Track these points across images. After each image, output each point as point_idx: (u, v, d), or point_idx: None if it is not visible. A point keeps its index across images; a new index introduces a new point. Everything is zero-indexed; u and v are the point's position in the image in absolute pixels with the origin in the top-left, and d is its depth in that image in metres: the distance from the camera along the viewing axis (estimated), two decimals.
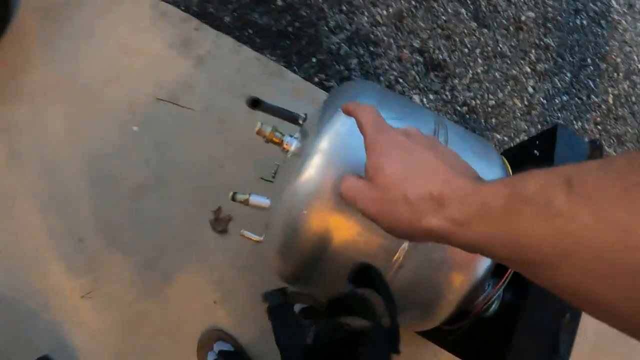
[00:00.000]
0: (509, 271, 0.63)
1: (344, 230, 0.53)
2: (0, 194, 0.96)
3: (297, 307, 0.89)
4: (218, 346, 0.83)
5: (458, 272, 0.56)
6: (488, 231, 0.23)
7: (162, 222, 0.92)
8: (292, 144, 0.61)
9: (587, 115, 1.45)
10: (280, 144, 0.60)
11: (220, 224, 0.88)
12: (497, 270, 0.60)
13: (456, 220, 0.24)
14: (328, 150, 0.51)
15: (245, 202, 0.65)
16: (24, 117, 0.99)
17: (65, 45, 0.98)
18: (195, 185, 0.92)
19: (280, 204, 0.54)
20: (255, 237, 0.68)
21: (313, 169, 0.52)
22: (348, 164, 0.52)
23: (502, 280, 0.64)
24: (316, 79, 1.01)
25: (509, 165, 0.65)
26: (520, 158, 0.80)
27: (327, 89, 1.02)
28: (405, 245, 0.53)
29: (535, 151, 0.75)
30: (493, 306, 0.70)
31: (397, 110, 0.62)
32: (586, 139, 0.71)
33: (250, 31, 1.02)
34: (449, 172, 0.27)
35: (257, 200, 0.65)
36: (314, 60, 1.03)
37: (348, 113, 0.36)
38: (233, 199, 0.64)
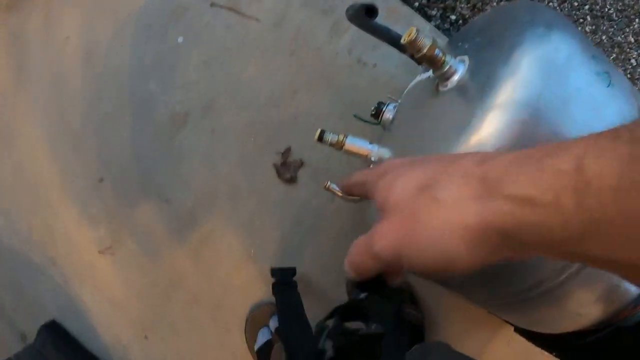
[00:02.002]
0: None
1: None
2: (2, 115, 0.75)
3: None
4: (274, 322, 0.65)
5: None
6: (592, 211, 0.13)
7: (209, 162, 0.70)
8: (460, 70, 0.40)
9: None
10: (440, 66, 0.39)
11: (288, 169, 0.67)
12: None
13: (522, 198, 0.16)
14: (521, 99, 0.33)
15: (338, 146, 0.46)
16: (37, 24, 0.77)
17: None
18: (256, 117, 0.70)
19: None
20: (349, 196, 0.48)
21: (497, 125, 0.33)
22: (549, 122, 0.34)
23: None
24: (416, 4, 0.80)
25: None
26: None
27: (428, 17, 0.80)
28: None
29: None
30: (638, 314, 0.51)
31: (598, 51, 0.43)
32: None
33: None
34: (482, 153, 0.19)
35: (357, 144, 0.46)
36: None
37: (347, 191, 0.30)
38: (320, 139, 0.46)
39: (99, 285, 0.69)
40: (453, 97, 0.39)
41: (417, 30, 0.38)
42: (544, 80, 0.35)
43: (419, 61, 0.39)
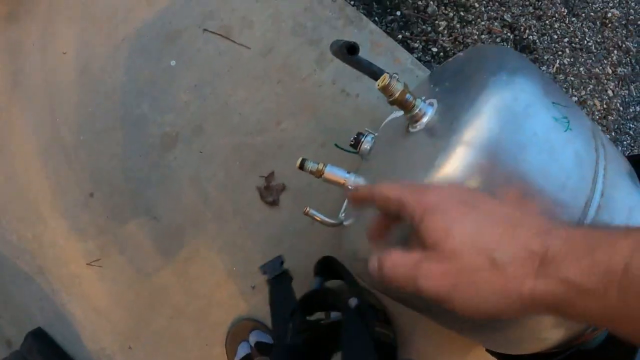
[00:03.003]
0: None
1: None
2: None
3: (353, 302, 0.72)
4: (254, 337, 0.67)
5: None
6: (630, 305, 0.17)
7: (197, 182, 0.73)
8: (428, 114, 0.44)
9: None
10: (410, 109, 0.43)
11: (271, 193, 0.70)
12: None
13: (575, 284, 0.19)
14: (480, 143, 0.37)
15: (317, 174, 0.49)
16: (34, 38, 0.80)
17: None
18: (242, 142, 0.74)
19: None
20: (328, 220, 0.52)
21: (459, 164, 0.37)
22: (506, 165, 0.37)
23: None
24: (400, 36, 0.84)
25: None
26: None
27: (410, 49, 0.84)
28: None
29: None
30: (598, 338, 0.56)
31: (561, 95, 0.46)
32: None
33: None
34: (539, 220, 0.21)
35: (334, 173, 0.50)
36: (398, 13, 0.86)
37: (362, 200, 0.29)
38: (301, 167, 0.49)
39: (86, 295, 0.72)
40: (422, 138, 0.43)
41: (390, 77, 0.42)
42: (502, 126, 0.39)
43: (391, 104, 0.43)
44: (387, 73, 0.43)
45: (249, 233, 0.72)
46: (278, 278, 0.54)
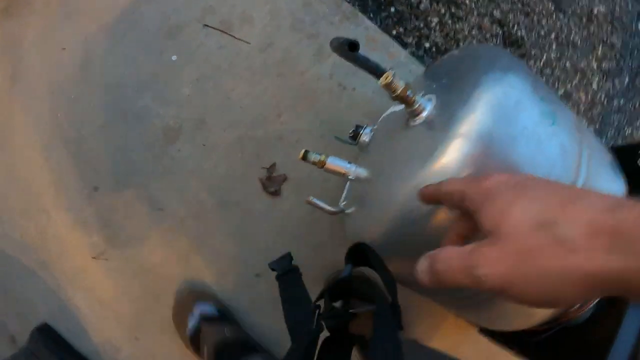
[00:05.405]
0: None
1: None
2: None
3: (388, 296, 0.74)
4: (198, 308, 0.66)
5: None
6: None
7: (199, 174, 0.75)
8: (427, 109, 0.46)
9: (637, 123, 1.40)
10: (410, 104, 0.46)
11: (273, 183, 0.73)
12: None
13: None
14: (475, 135, 0.40)
15: (320, 165, 0.52)
16: (33, 33, 0.80)
17: None
18: (244, 134, 0.76)
19: (398, 187, 0.42)
20: (329, 208, 0.54)
21: (456, 155, 0.39)
22: (498, 155, 0.40)
23: None
24: (394, 32, 0.87)
25: None
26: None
27: (404, 45, 0.87)
28: None
29: None
30: (585, 314, 0.60)
31: (548, 91, 0.50)
32: None
33: None
34: (604, 196, 0.20)
35: (336, 164, 0.52)
36: (392, 9, 0.88)
37: (431, 197, 0.30)
38: (304, 158, 0.51)
39: (91, 288, 0.73)
40: (421, 131, 0.46)
41: (393, 75, 0.44)
42: (495, 120, 0.42)
43: (393, 99, 0.45)
44: (390, 71, 0.45)
45: (252, 223, 0.74)
46: (288, 274, 0.54)
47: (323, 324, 0.40)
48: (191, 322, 0.66)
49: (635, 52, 1.45)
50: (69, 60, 0.79)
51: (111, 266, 0.73)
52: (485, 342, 0.65)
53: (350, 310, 0.42)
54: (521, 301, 0.20)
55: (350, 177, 0.53)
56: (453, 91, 0.47)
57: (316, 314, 0.41)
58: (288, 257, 0.56)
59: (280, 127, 0.76)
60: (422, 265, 0.24)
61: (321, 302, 0.45)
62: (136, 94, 0.77)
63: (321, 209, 0.55)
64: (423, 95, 0.48)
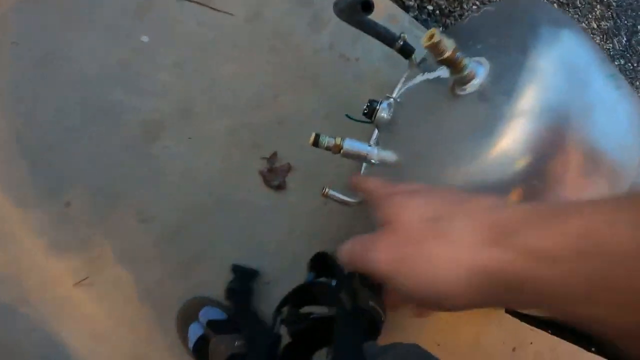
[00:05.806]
0: None
1: None
2: None
3: (349, 302, 0.66)
4: (205, 315, 0.60)
5: None
6: (603, 273, 0.14)
7: (191, 173, 0.65)
8: (479, 74, 0.38)
9: (637, 83, 1.38)
10: (460, 69, 0.37)
11: (276, 176, 0.63)
12: None
13: (537, 251, 0.16)
14: (548, 106, 0.33)
15: (335, 150, 0.43)
16: None
17: None
18: (237, 122, 0.65)
19: (449, 172, 0.35)
20: (350, 200, 0.46)
21: (521, 132, 0.32)
22: (574, 129, 0.33)
23: None
24: None
25: None
26: None
27: (406, 8, 0.78)
28: None
29: None
30: None
31: (602, 52, 0.42)
32: None
33: None
34: (492, 197, 0.20)
35: (356, 148, 0.44)
36: None
37: (356, 190, 0.30)
38: (315, 143, 0.43)
39: (79, 320, 0.62)
40: (473, 102, 0.38)
41: (440, 33, 0.35)
42: (570, 85, 0.34)
43: (439, 63, 0.36)
44: (434, 28, 0.36)
45: (257, 223, 0.64)
46: (240, 294, 0.54)
47: (284, 331, 0.40)
48: (194, 332, 0.59)
49: (629, 10, 1.42)
50: (23, 56, 0.67)
51: (98, 292, 0.62)
52: (513, 322, 0.58)
53: (312, 316, 0.41)
54: (407, 290, 0.20)
55: (373, 161, 0.45)
56: (507, 53, 0.39)
57: (277, 320, 0.40)
58: (251, 274, 0.56)
59: (279, 109, 0.66)
60: (337, 252, 0.25)
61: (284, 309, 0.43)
62: (105, 88, 0.66)
63: (341, 202, 0.46)
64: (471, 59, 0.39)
